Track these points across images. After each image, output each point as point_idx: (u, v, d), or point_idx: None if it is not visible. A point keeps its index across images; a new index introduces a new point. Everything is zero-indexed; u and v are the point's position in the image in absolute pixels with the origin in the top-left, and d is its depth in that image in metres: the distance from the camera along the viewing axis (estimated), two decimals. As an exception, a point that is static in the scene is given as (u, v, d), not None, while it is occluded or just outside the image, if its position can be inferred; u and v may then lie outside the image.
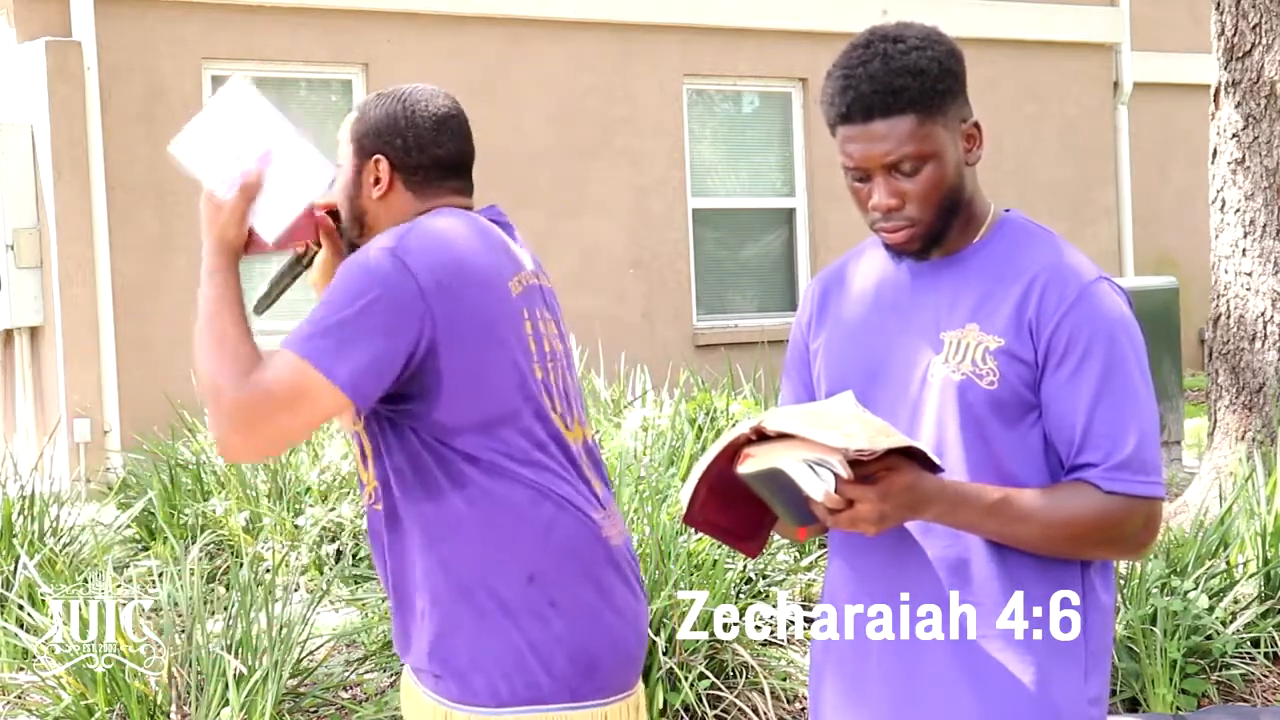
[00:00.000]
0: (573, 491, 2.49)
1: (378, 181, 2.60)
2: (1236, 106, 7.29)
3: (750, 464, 2.14)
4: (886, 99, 2.19)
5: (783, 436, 2.12)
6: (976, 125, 2.28)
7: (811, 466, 2.07)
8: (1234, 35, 7.31)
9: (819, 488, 2.06)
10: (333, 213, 2.68)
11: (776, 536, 3.36)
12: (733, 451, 2.20)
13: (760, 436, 2.16)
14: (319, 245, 2.69)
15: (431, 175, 2.62)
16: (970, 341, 2.24)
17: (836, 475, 2.06)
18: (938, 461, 2.16)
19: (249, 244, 2.55)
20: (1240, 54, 7.29)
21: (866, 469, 2.09)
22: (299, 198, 2.57)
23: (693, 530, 5.26)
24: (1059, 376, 2.20)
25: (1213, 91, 7.45)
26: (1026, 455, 2.23)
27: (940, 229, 2.26)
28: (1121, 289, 2.29)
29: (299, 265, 2.72)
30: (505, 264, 2.53)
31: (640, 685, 2.60)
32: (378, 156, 2.60)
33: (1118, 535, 2.20)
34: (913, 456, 2.14)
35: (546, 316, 2.59)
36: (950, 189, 2.24)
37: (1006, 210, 2.36)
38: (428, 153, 2.61)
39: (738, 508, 2.29)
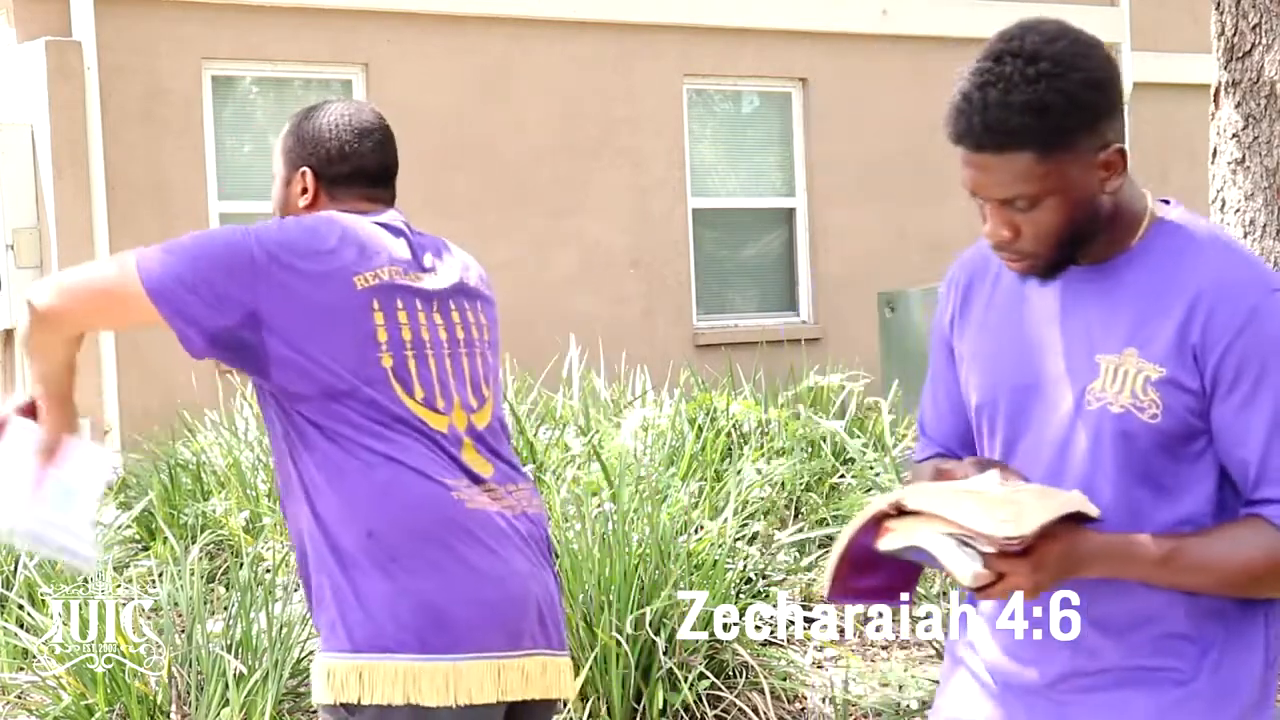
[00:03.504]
0: (425, 461, 2.57)
1: (304, 191, 2.75)
2: (1236, 106, 7.29)
3: (891, 539, 2.04)
4: (999, 138, 1.99)
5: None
6: (1120, 151, 2.03)
7: (958, 540, 1.95)
8: (1234, 35, 7.31)
9: (968, 568, 1.95)
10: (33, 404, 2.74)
11: (779, 536, 3.34)
12: (872, 525, 2.08)
13: (899, 511, 2.04)
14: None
15: (352, 182, 2.76)
16: (1129, 369, 2.07)
17: (983, 552, 1.94)
18: (1095, 514, 2.01)
19: None
20: (1240, 54, 7.28)
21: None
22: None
23: (693, 530, 5.25)
24: (1229, 405, 2.04)
25: (1213, 91, 7.45)
26: (1194, 482, 2.09)
27: (1061, 260, 2.08)
28: None
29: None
30: (358, 258, 2.61)
31: (540, 655, 2.63)
32: (304, 169, 2.75)
33: None
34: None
35: (421, 309, 2.66)
36: (1073, 224, 2.04)
37: (1165, 201, 2.16)
38: (350, 162, 2.74)
39: (882, 567, 2.14)
